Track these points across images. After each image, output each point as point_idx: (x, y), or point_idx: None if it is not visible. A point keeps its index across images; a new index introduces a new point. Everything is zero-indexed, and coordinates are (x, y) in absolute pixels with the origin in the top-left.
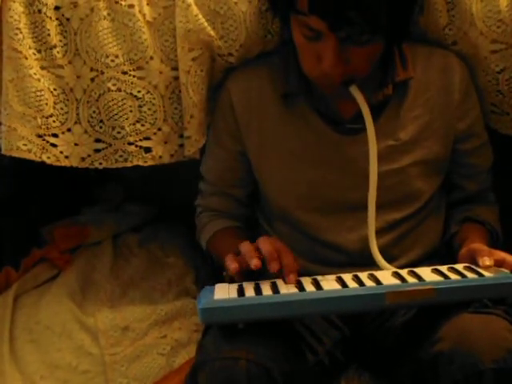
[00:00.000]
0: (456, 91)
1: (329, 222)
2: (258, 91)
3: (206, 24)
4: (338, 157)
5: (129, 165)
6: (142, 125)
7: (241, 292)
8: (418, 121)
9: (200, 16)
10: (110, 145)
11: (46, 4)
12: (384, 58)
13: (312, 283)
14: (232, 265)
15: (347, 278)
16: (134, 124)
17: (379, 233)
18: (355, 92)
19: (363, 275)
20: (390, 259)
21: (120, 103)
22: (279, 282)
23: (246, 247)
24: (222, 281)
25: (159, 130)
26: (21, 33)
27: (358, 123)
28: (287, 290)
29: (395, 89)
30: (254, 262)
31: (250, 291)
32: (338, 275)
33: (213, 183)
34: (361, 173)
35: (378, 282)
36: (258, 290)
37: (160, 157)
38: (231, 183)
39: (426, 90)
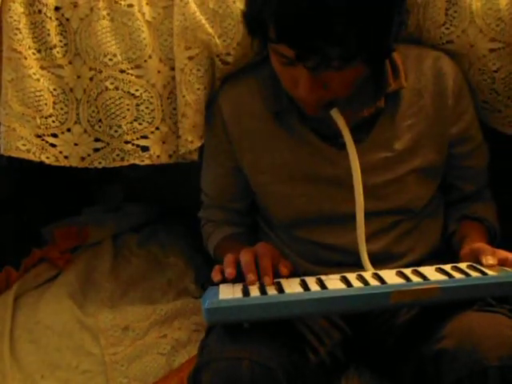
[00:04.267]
0: (449, 96)
1: (328, 229)
2: (249, 107)
3: (203, 22)
4: (334, 171)
5: (126, 164)
6: (140, 123)
7: (246, 292)
8: (412, 130)
9: (198, 14)
10: (108, 144)
11: (46, 4)
12: (373, 73)
13: (316, 283)
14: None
15: (351, 277)
16: (131, 123)
17: (380, 233)
18: (336, 116)
19: (367, 274)
20: (393, 259)
21: (117, 102)
22: (283, 282)
23: (228, 258)
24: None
25: (157, 129)
26: (20, 33)
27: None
28: (292, 289)
29: (387, 100)
30: (228, 271)
31: (254, 291)
32: (343, 275)
33: (213, 198)
34: None
35: (382, 281)
36: (262, 290)
37: (158, 156)
38: (231, 198)
39: (419, 98)
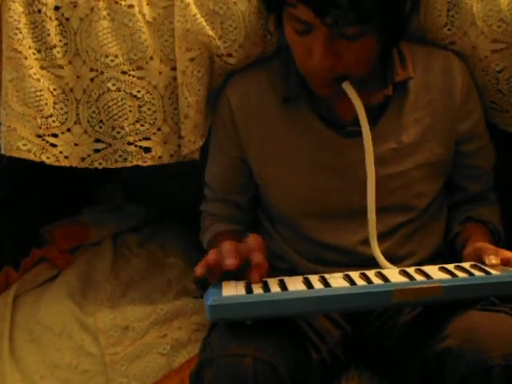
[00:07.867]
0: (458, 93)
1: (331, 226)
2: (257, 95)
3: (204, 24)
4: (340, 161)
5: (128, 165)
6: (142, 125)
7: (249, 289)
8: (419, 123)
9: (198, 16)
10: (110, 145)
11: (46, 4)
12: (382, 58)
13: (320, 281)
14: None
15: (355, 275)
16: (133, 124)
17: (383, 236)
18: (348, 88)
19: (370, 273)
20: (395, 262)
21: (120, 103)
22: (287, 280)
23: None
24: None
25: (159, 130)
26: (20, 33)
27: (359, 126)
28: (295, 287)
29: (395, 89)
30: (227, 262)
31: (257, 288)
32: (346, 273)
33: (216, 190)
34: (363, 177)
35: (385, 279)
36: (265, 288)
37: (160, 157)
38: (234, 189)
39: (428, 92)
